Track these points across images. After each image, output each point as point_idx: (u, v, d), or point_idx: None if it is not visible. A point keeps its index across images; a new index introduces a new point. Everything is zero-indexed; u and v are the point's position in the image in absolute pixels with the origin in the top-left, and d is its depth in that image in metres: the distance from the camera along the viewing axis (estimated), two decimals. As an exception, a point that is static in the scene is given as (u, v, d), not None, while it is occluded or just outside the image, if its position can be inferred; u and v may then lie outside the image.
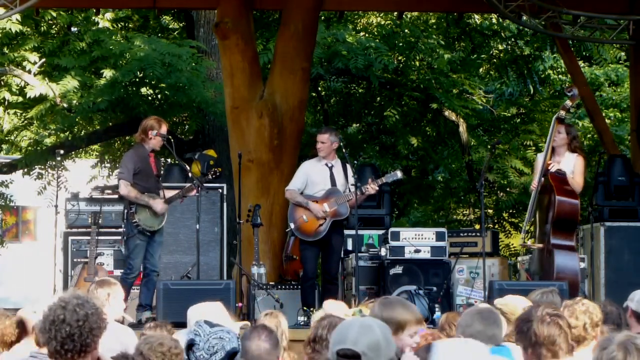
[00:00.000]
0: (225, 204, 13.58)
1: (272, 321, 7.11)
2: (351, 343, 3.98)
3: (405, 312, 5.49)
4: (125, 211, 11.41)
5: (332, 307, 7.10)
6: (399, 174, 12.26)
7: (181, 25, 20.70)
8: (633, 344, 4.29)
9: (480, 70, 21.64)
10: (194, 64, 17.14)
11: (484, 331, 4.98)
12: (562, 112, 11.70)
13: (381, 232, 13.30)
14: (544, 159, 11.50)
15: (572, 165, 11.49)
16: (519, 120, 21.02)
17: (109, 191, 13.31)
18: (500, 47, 21.11)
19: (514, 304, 7.08)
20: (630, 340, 4.31)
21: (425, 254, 12.70)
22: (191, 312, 6.67)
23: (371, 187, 11.86)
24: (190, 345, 4.43)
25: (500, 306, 6.96)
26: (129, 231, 11.36)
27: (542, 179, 11.43)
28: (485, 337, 4.96)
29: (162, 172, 12.46)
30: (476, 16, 20.11)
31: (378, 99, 20.62)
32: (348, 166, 12.10)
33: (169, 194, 11.66)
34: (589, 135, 19.73)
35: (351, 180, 11.91)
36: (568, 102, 11.84)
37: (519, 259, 14.59)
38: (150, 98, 17.96)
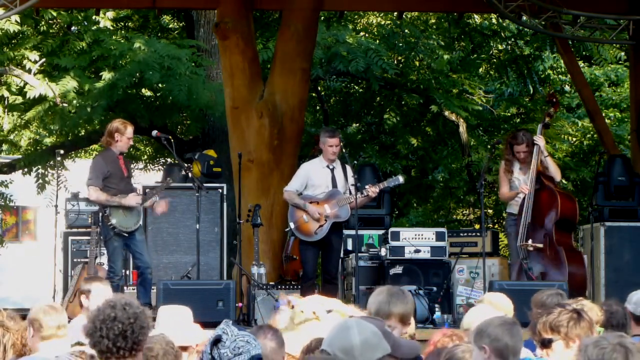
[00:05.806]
0: (225, 204, 13.57)
1: None
2: (327, 345, 4.01)
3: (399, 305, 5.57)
4: (100, 214, 11.39)
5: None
6: (400, 179, 12.23)
7: (181, 25, 20.69)
8: (606, 340, 4.40)
9: (480, 70, 21.63)
10: (193, 64, 17.09)
11: (513, 346, 4.98)
12: (548, 119, 12.08)
13: (381, 232, 13.29)
14: (534, 164, 11.70)
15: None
16: (519, 120, 21.02)
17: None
18: (500, 47, 21.10)
19: (502, 303, 7.12)
20: (610, 336, 4.44)
21: (425, 254, 12.70)
22: (161, 311, 6.68)
23: (371, 191, 11.85)
24: (217, 340, 4.42)
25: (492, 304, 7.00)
26: (106, 234, 11.35)
27: (534, 182, 11.65)
28: (513, 352, 4.97)
29: (133, 173, 12.44)
30: (476, 16, 20.11)
31: (378, 99, 20.61)
32: (347, 167, 12.09)
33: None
34: (588, 135, 19.73)
35: (351, 180, 11.89)
36: (552, 110, 12.19)
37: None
38: (151, 99, 17.93)
